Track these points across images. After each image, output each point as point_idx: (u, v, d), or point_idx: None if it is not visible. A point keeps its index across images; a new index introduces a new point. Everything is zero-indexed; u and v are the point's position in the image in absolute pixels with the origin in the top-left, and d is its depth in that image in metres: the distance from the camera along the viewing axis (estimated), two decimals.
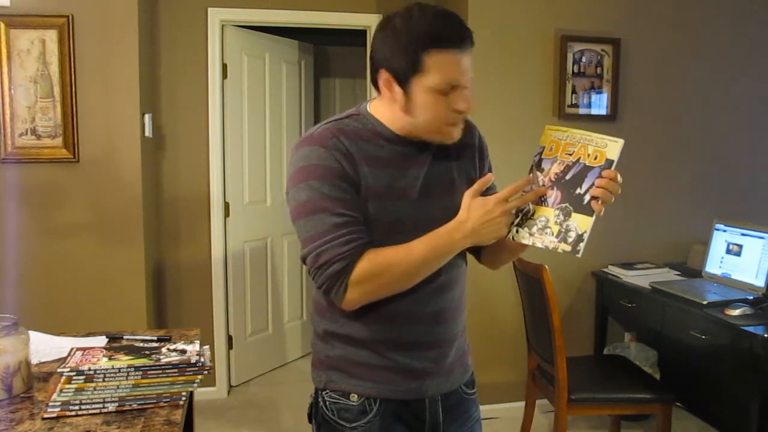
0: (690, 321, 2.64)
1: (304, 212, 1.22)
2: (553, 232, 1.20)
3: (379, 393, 1.31)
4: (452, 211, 1.26)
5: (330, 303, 1.29)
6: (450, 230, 1.22)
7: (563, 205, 1.19)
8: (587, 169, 1.18)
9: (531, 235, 1.22)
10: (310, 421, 1.39)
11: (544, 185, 1.22)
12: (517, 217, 1.25)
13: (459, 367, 1.41)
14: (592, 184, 1.19)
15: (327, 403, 1.34)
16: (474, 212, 1.21)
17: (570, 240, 1.18)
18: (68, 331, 1.86)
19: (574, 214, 1.18)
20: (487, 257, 1.46)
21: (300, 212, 1.23)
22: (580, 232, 1.17)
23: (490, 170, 1.44)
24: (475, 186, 1.23)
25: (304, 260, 1.24)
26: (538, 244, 1.22)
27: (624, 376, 2.76)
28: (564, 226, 1.19)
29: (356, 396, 1.31)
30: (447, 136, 1.27)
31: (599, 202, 1.18)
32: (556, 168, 1.22)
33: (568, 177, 1.20)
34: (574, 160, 1.20)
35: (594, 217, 1.17)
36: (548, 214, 1.21)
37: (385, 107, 1.28)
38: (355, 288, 1.20)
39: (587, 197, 1.18)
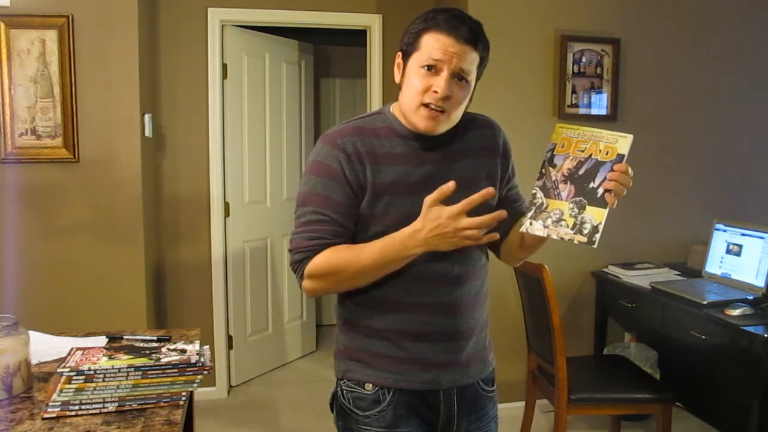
0: (690, 321, 2.64)
1: (298, 201, 1.37)
2: (569, 225, 1.24)
3: (394, 383, 1.35)
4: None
5: (348, 293, 1.37)
6: (404, 237, 1.24)
7: (577, 198, 1.24)
8: (599, 164, 1.23)
9: (546, 227, 1.26)
10: (332, 410, 1.44)
11: (556, 180, 1.27)
12: (530, 210, 1.29)
13: (477, 361, 1.42)
14: (605, 178, 1.23)
15: (344, 392, 1.39)
16: (428, 222, 1.21)
17: (585, 232, 1.22)
18: (68, 331, 1.86)
19: (588, 207, 1.22)
20: (505, 253, 1.48)
21: (297, 202, 1.37)
22: (595, 224, 1.21)
23: (513, 172, 1.47)
24: (434, 194, 1.21)
25: None
26: (553, 236, 1.26)
27: (624, 376, 2.76)
28: (579, 219, 1.23)
29: (371, 385, 1.35)
30: (420, 120, 1.29)
31: (612, 195, 1.23)
32: (569, 164, 1.26)
33: (580, 172, 1.25)
34: (586, 156, 1.25)
35: (608, 209, 1.21)
36: (562, 207, 1.25)
37: (399, 99, 1.35)
38: (309, 280, 1.31)
39: (600, 191, 1.23)
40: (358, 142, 1.31)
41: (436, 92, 1.25)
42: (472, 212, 1.24)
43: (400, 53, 1.33)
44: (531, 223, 1.28)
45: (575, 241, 1.23)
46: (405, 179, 1.31)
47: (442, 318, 1.34)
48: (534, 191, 1.29)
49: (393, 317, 1.33)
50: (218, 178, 3.61)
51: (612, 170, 1.23)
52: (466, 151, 1.36)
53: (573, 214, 1.23)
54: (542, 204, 1.27)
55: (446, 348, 1.36)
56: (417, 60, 1.27)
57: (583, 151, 1.25)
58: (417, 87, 1.27)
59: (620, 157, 1.22)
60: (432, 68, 1.25)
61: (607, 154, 1.23)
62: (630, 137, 1.23)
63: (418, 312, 1.33)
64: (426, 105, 1.27)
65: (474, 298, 1.39)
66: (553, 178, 1.27)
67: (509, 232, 1.43)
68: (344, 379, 1.39)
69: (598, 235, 1.21)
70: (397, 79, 1.34)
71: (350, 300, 1.37)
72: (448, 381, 1.37)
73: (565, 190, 1.25)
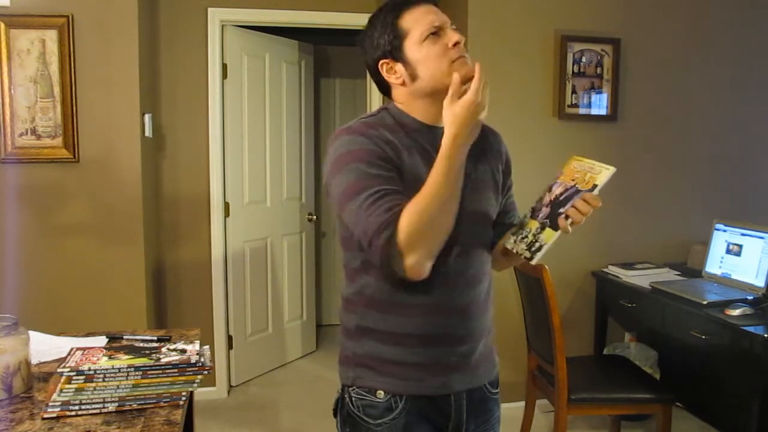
0: (690, 321, 2.64)
1: (349, 195, 1.23)
2: (528, 241, 1.32)
3: (407, 390, 1.32)
4: (473, 209, 1.32)
5: (360, 297, 1.33)
6: (448, 143, 1.20)
7: (545, 220, 1.31)
8: (577, 192, 1.28)
9: (515, 242, 1.35)
10: (335, 416, 1.41)
11: (544, 204, 1.33)
12: (516, 226, 1.37)
13: (485, 363, 1.42)
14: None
15: (353, 399, 1.35)
16: (460, 114, 1.19)
17: (533, 249, 1.30)
18: (68, 331, 1.87)
19: (547, 229, 1.29)
20: (493, 261, 1.48)
21: (346, 196, 1.24)
22: (542, 244, 1.28)
23: (511, 182, 1.50)
24: (450, 92, 1.21)
25: (359, 244, 1.24)
26: (514, 251, 1.35)
27: (624, 376, 2.76)
28: (537, 238, 1.30)
29: (383, 393, 1.32)
30: (461, 71, 1.25)
31: (568, 221, 1.25)
32: (558, 190, 1.32)
33: (561, 198, 1.30)
34: (572, 185, 1.30)
35: (558, 232, 1.26)
36: (533, 226, 1.33)
37: (403, 98, 1.34)
38: (409, 250, 1.18)
39: (563, 216, 1.28)
40: (386, 133, 1.29)
41: (456, 44, 1.28)
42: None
43: (384, 61, 1.31)
44: (510, 237, 1.37)
45: (522, 256, 1.32)
46: (420, 174, 1.27)
47: (457, 320, 1.34)
48: (527, 212, 1.36)
49: (408, 320, 1.31)
50: (218, 178, 3.61)
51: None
52: (476, 153, 1.34)
53: (535, 233, 1.31)
54: (524, 222, 1.35)
55: (459, 351, 1.35)
56: (417, 38, 1.28)
57: (574, 180, 1.30)
58: (439, 52, 1.27)
59: (593, 187, 1.25)
60: (436, 32, 1.28)
61: (587, 183, 1.27)
62: (612, 170, 1.25)
63: (435, 314, 1.32)
64: (456, 59, 1.28)
65: (485, 300, 1.40)
66: (543, 202, 1.33)
67: (498, 241, 1.44)
68: (354, 387, 1.35)
69: (539, 254, 1.28)
70: (399, 82, 1.32)
71: (363, 305, 1.34)
72: (460, 384, 1.36)
73: (543, 212, 1.32)
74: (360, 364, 1.35)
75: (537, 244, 1.28)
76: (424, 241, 1.19)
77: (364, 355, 1.34)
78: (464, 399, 1.37)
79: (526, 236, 1.32)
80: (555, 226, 1.27)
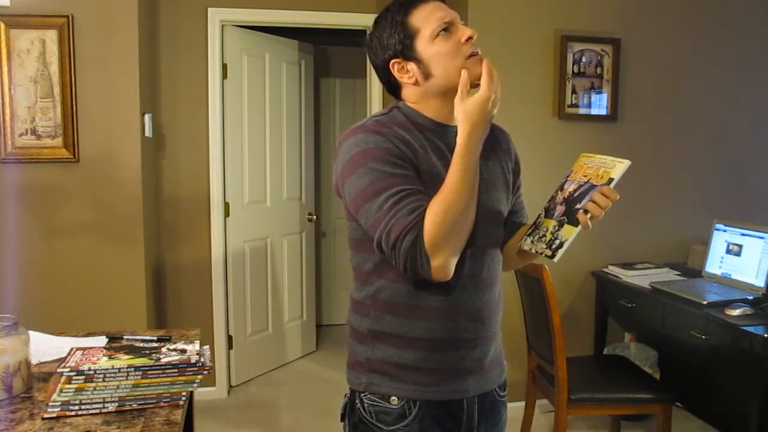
0: (690, 321, 2.64)
1: (367, 197, 1.22)
2: (546, 240, 1.30)
3: (421, 395, 1.31)
4: (486, 208, 1.31)
5: (374, 301, 1.31)
6: (463, 140, 1.22)
7: (562, 217, 1.29)
8: (592, 187, 1.27)
9: (532, 243, 1.33)
10: (342, 420, 1.39)
11: (558, 202, 1.33)
12: (531, 228, 1.36)
13: (496, 366, 1.41)
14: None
15: (365, 405, 1.33)
16: (474, 111, 1.21)
17: (554, 246, 1.28)
18: (68, 331, 1.87)
19: (566, 225, 1.28)
20: (504, 261, 1.48)
21: (364, 197, 1.22)
22: (562, 240, 1.27)
23: (520, 182, 1.50)
24: (460, 89, 1.24)
25: (379, 247, 1.22)
26: (533, 251, 1.33)
27: (624, 376, 2.76)
28: (556, 235, 1.29)
29: (396, 399, 1.30)
30: (474, 69, 1.26)
31: (587, 215, 1.24)
32: (572, 187, 1.32)
33: (576, 195, 1.29)
34: (585, 181, 1.29)
35: (579, 227, 1.25)
36: (549, 225, 1.32)
37: (415, 98, 1.33)
38: (435, 251, 1.18)
39: (581, 210, 1.27)
40: (400, 131, 1.27)
41: (468, 39, 1.26)
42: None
43: (396, 60, 1.29)
44: (525, 239, 1.35)
45: (543, 254, 1.29)
46: (436, 172, 1.27)
47: (472, 323, 1.32)
48: (540, 212, 1.35)
49: (423, 324, 1.29)
50: (218, 178, 3.61)
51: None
52: (486, 151, 1.32)
53: (553, 231, 1.29)
54: (539, 222, 1.34)
55: (474, 355, 1.33)
56: (428, 35, 1.26)
57: (586, 176, 1.29)
58: (452, 48, 1.26)
59: (609, 181, 1.25)
60: (448, 28, 1.26)
61: (602, 178, 1.26)
62: (626, 163, 1.25)
63: (449, 317, 1.30)
64: (470, 56, 1.27)
65: (498, 302, 1.39)
66: (557, 201, 1.32)
67: (508, 240, 1.44)
68: (366, 392, 1.33)
69: (561, 250, 1.26)
70: (411, 81, 1.30)
71: (377, 309, 1.32)
72: (474, 389, 1.35)
73: (559, 210, 1.31)
74: (373, 370, 1.32)
75: (557, 241, 1.26)
76: (450, 241, 1.19)
77: (377, 360, 1.32)
78: (476, 403, 1.36)
79: (544, 235, 1.30)
80: (574, 222, 1.26)
